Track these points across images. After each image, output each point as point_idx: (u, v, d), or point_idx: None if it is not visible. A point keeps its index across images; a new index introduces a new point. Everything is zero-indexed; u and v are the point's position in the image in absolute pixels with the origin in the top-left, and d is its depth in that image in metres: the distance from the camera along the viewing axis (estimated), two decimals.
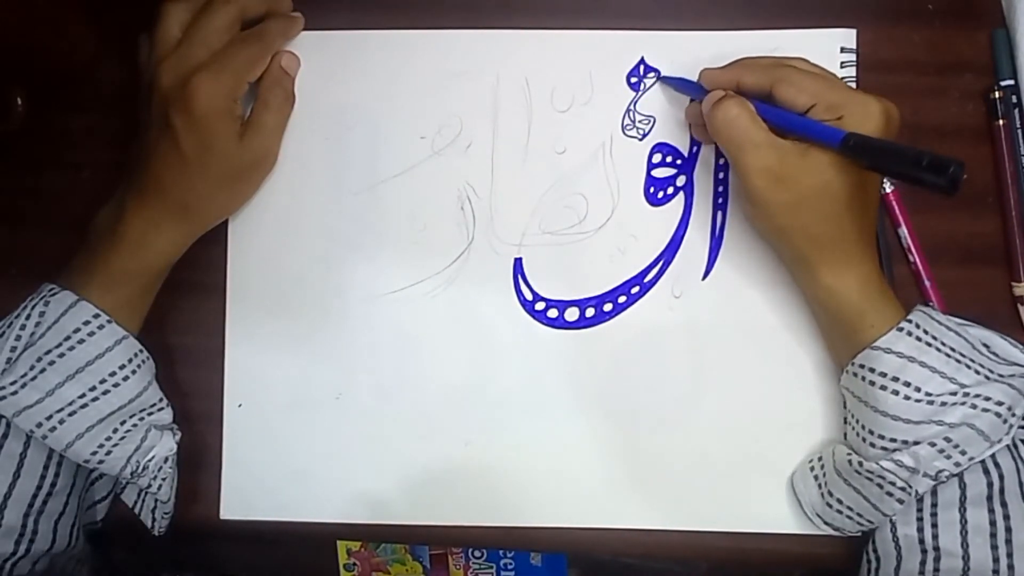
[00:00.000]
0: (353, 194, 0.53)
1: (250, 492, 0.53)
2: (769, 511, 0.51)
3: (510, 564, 0.61)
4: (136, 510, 0.51)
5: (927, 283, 0.51)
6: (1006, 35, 0.52)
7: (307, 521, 0.53)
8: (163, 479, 0.49)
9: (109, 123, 0.54)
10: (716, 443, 0.52)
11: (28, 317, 0.46)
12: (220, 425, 0.53)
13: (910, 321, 0.45)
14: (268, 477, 0.53)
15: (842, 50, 0.52)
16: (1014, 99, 0.51)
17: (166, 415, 0.49)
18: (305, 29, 0.52)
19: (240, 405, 0.53)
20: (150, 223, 0.48)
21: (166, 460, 0.49)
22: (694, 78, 0.51)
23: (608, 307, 0.53)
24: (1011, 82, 0.51)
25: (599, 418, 0.52)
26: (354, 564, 0.61)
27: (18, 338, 0.46)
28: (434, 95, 0.53)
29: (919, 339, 0.44)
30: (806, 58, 0.48)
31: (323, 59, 0.53)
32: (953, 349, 0.44)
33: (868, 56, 0.52)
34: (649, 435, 0.52)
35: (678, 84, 0.52)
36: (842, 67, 0.52)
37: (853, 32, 0.52)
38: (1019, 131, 0.51)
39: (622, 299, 0.52)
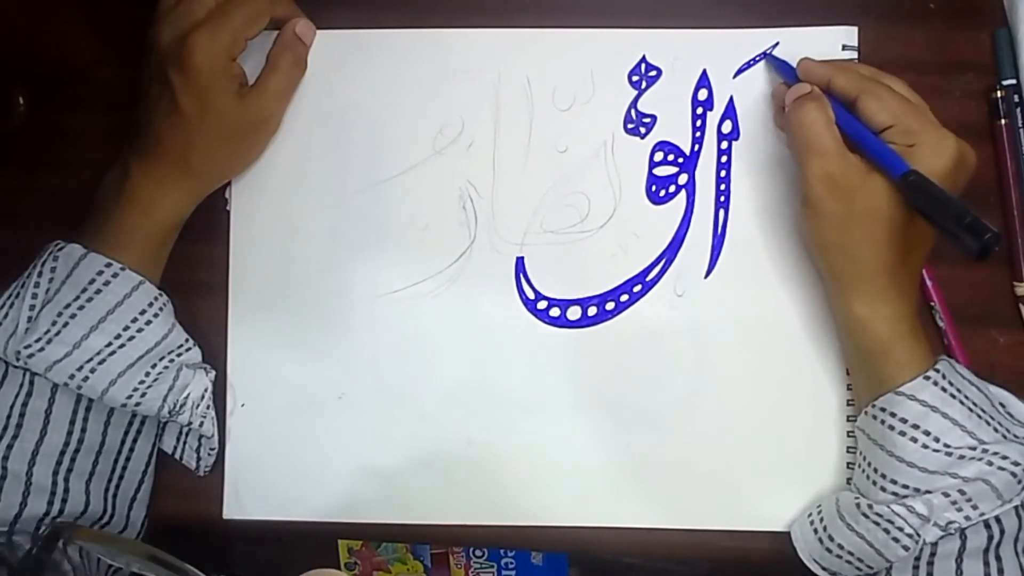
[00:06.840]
0: (355, 193, 0.53)
1: (252, 492, 0.53)
2: (771, 510, 0.51)
3: (511, 563, 0.61)
4: (177, 455, 0.52)
5: (928, 283, 0.51)
6: (1008, 34, 0.52)
7: (309, 520, 0.53)
8: (203, 416, 0.50)
9: (109, 123, 0.54)
10: (718, 441, 0.52)
11: (40, 275, 0.46)
12: (222, 425, 0.53)
13: (937, 371, 0.44)
14: (270, 477, 0.53)
15: (843, 48, 0.52)
16: (1016, 98, 0.51)
17: (195, 355, 0.50)
18: None
19: (242, 405, 0.53)
20: (155, 182, 0.48)
21: (202, 397, 0.50)
22: (694, 77, 0.52)
23: (610, 306, 0.52)
24: (1013, 81, 0.51)
25: (601, 417, 0.52)
26: (355, 563, 0.61)
27: (35, 296, 0.46)
28: (435, 94, 0.53)
29: (944, 390, 0.44)
30: (903, 80, 0.47)
31: (323, 59, 0.53)
32: (975, 404, 0.44)
33: (869, 54, 0.52)
34: (651, 434, 0.52)
35: (778, 65, 0.51)
36: None
37: (855, 30, 0.52)
38: (1021, 131, 0.51)
39: (624, 298, 0.52)
